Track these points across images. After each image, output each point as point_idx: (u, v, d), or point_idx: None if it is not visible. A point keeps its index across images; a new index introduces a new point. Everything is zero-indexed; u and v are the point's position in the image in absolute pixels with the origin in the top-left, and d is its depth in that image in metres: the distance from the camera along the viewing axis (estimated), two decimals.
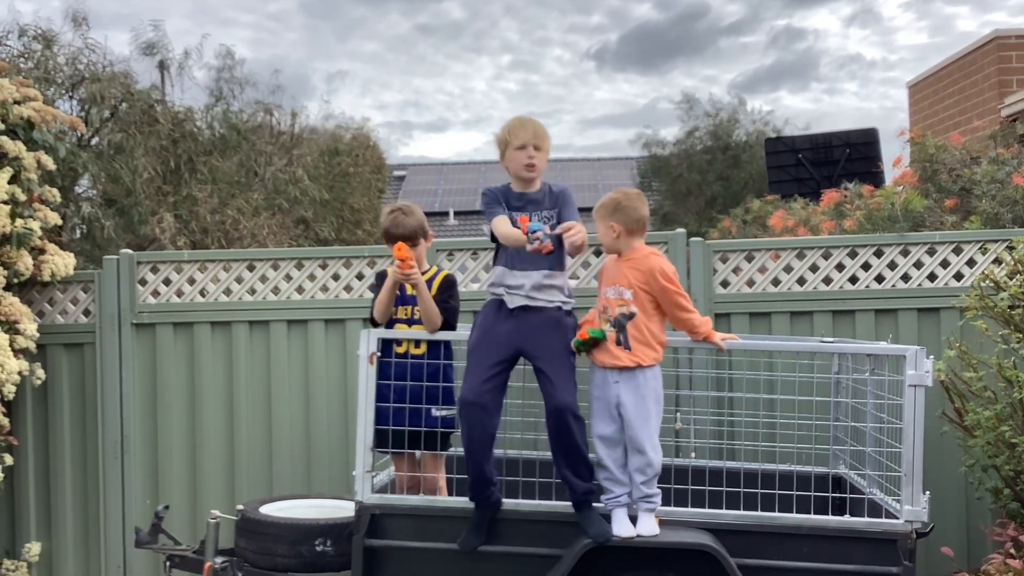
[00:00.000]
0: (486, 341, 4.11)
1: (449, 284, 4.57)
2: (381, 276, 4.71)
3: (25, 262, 5.63)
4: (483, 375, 4.03)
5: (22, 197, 5.68)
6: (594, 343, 4.07)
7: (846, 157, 12.64)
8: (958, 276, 5.42)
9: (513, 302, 4.09)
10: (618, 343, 4.02)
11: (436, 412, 4.42)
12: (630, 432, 4.01)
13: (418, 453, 4.48)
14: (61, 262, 5.83)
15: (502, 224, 4.11)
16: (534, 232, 3.87)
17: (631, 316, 4.03)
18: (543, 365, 4.02)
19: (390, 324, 4.54)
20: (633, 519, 3.99)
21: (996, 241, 5.40)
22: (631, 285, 4.07)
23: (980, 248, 5.40)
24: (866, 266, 5.49)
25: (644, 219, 4.20)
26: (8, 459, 5.59)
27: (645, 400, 4.01)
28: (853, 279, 5.49)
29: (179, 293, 5.94)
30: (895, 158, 8.69)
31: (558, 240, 3.98)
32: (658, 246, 5.49)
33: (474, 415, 4.02)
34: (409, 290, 4.47)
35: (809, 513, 4.12)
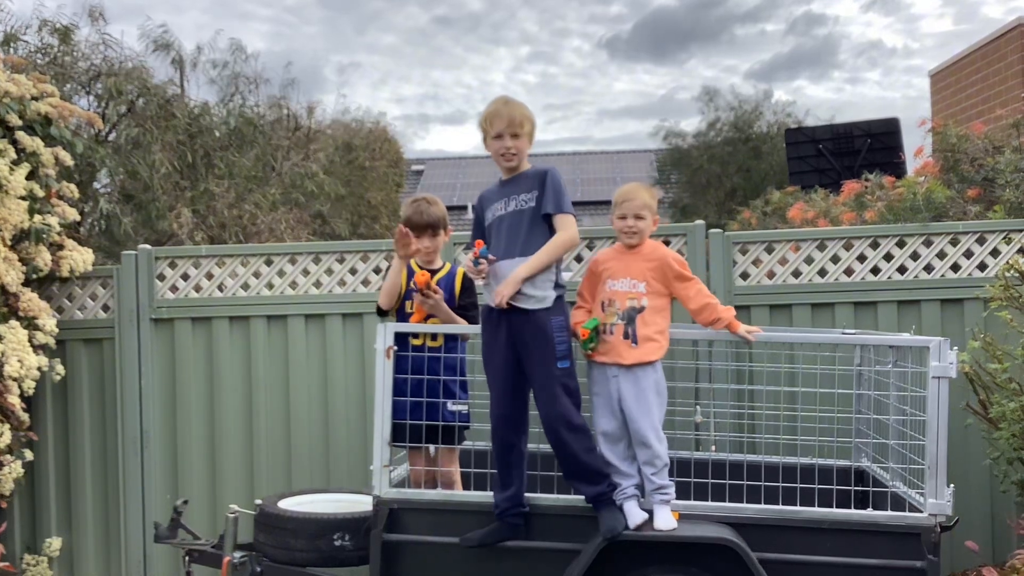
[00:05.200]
0: (492, 357, 4.10)
1: (471, 281, 4.61)
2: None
3: (44, 258, 5.65)
4: (502, 396, 4.06)
5: (40, 193, 5.71)
6: (593, 337, 4.04)
7: (867, 147, 12.54)
8: (982, 266, 5.35)
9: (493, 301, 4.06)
10: (625, 336, 3.99)
11: (452, 406, 4.42)
12: (633, 426, 3.99)
13: (432, 448, 4.46)
14: (80, 258, 5.85)
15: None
16: (481, 257, 3.97)
17: (641, 309, 4.01)
18: (530, 378, 4.01)
19: (405, 318, 4.54)
20: (649, 513, 3.96)
21: (1020, 231, 5.33)
22: (644, 277, 4.05)
23: (1004, 238, 5.33)
24: (888, 257, 5.42)
25: None
26: (28, 455, 5.61)
27: (645, 393, 3.99)
28: (875, 270, 5.43)
29: (197, 288, 5.94)
30: (917, 148, 8.60)
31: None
32: (677, 238, 5.47)
33: (502, 437, 4.06)
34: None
35: (831, 507, 4.07)
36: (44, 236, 5.64)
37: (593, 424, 4.11)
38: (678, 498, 4.03)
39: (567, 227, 3.99)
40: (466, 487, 4.51)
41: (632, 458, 4.04)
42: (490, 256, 3.99)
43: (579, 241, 4.06)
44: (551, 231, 4.01)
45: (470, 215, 22.63)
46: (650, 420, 3.98)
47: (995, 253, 5.34)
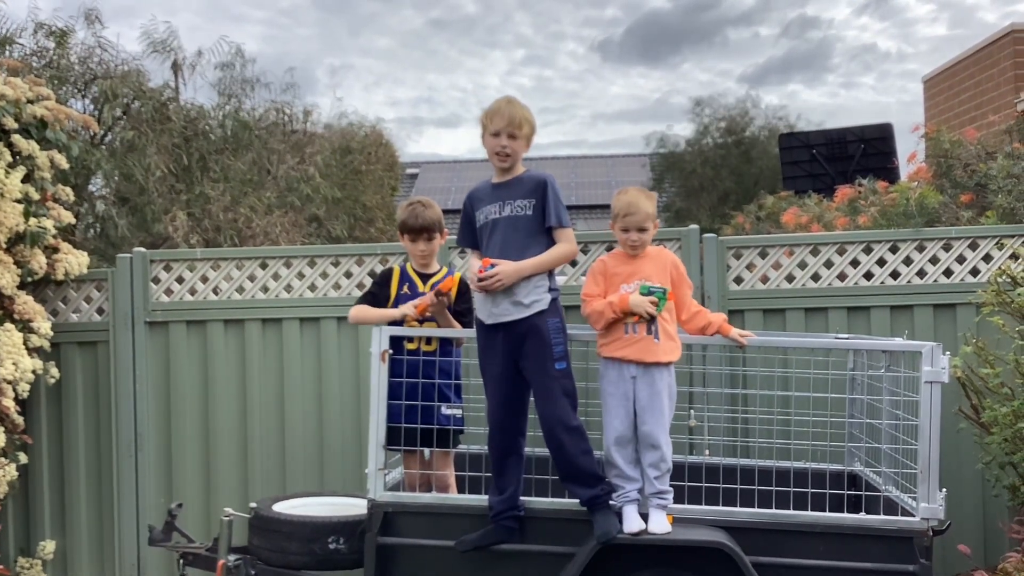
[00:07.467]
0: (489, 365, 4.11)
1: (467, 286, 4.61)
2: (386, 275, 4.71)
3: (39, 261, 5.65)
4: (500, 403, 4.08)
5: (36, 196, 5.71)
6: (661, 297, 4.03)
7: (861, 153, 12.56)
8: (974, 272, 5.38)
9: (488, 318, 4.06)
10: (648, 332, 4.00)
11: (446, 410, 4.43)
12: (644, 428, 4.00)
13: (427, 452, 4.47)
14: (75, 261, 5.85)
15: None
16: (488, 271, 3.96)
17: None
18: (529, 380, 4.03)
19: (400, 323, 4.54)
20: (645, 516, 3.97)
21: (1013, 236, 5.35)
22: (659, 279, 4.08)
23: (996, 243, 5.36)
24: (881, 262, 5.45)
25: None
26: (23, 458, 5.61)
27: (660, 395, 4.01)
28: (868, 275, 5.45)
29: (192, 291, 5.95)
30: (910, 153, 8.64)
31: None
32: (671, 243, 5.48)
33: (499, 442, 4.09)
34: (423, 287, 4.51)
35: (824, 511, 4.10)
36: (39, 239, 5.64)
37: (604, 426, 4.11)
38: (672, 502, 4.04)
39: (570, 240, 4.07)
40: (461, 491, 4.51)
41: (637, 462, 4.05)
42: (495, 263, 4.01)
43: (578, 253, 4.10)
44: (548, 241, 4.05)
45: None
46: (662, 423, 4.01)
47: (987, 258, 5.36)
